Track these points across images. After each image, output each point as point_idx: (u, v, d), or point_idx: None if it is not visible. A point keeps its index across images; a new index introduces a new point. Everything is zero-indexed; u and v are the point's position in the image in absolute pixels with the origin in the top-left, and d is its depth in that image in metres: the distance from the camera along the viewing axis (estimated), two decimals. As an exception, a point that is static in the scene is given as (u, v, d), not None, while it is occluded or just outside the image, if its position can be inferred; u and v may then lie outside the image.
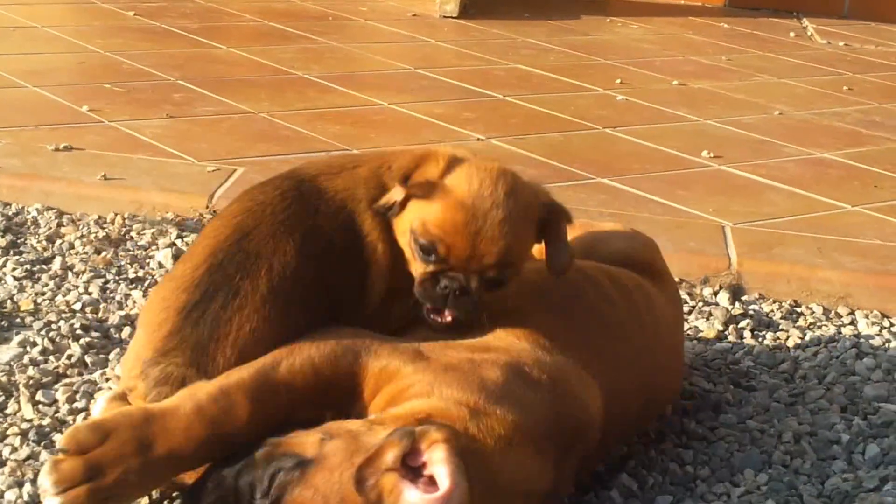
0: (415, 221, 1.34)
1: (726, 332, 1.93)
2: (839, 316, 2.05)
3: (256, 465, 1.20)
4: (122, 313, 1.77)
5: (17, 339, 1.67)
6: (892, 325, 2.03)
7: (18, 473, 1.35)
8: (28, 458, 1.38)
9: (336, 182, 1.39)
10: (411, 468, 1.13)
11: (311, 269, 1.32)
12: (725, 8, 4.99)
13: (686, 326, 1.94)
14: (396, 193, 1.36)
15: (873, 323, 2.02)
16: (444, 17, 4.15)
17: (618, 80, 3.47)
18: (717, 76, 3.69)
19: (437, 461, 1.11)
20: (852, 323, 2.03)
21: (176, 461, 1.23)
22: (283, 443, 1.20)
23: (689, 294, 2.06)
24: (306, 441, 1.19)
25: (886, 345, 1.93)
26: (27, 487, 1.32)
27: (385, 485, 1.12)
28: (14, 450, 1.40)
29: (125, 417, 1.22)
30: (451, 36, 3.91)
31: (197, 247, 1.36)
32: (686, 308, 2.01)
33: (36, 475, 1.34)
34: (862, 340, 1.94)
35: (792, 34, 4.53)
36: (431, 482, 1.12)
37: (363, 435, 1.18)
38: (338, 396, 1.27)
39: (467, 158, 1.39)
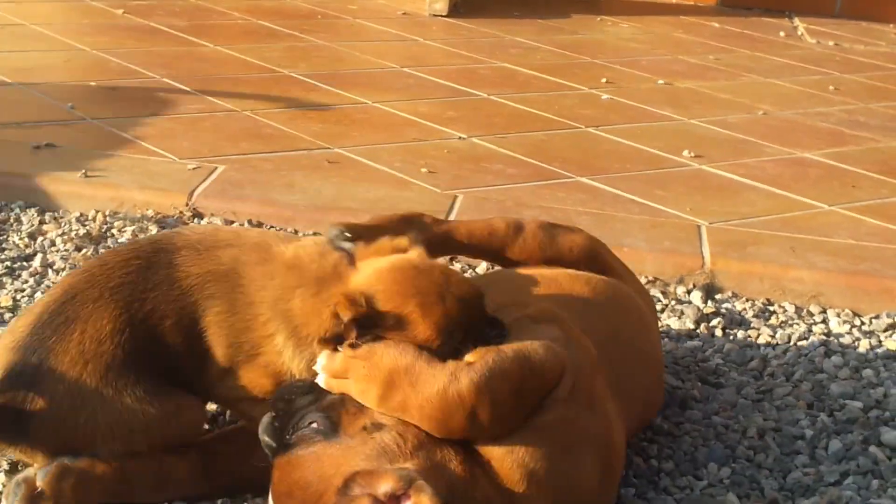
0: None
1: (697, 330, 1.98)
2: (811, 314, 2.10)
3: (318, 402, 1.26)
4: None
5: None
6: (862, 323, 2.07)
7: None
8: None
9: (193, 265, 1.35)
10: None
11: (135, 338, 1.32)
12: (717, 7, 5.03)
13: (658, 324, 1.99)
14: (325, 356, 1.29)
15: (844, 321, 2.07)
16: (434, 15, 4.20)
17: (604, 80, 3.51)
18: (704, 76, 3.73)
19: None
20: (824, 321, 2.07)
21: None
22: (345, 406, 1.26)
23: (663, 293, 2.11)
24: (355, 420, 1.24)
25: (855, 343, 1.98)
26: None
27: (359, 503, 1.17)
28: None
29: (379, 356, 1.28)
30: (440, 34, 3.96)
31: (37, 303, 1.39)
32: (659, 306, 2.06)
33: (11, 464, 1.39)
34: (831, 339, 1.98)
35: (782, 34, 4.57)
36: None
37: (389, 449, 1.22)
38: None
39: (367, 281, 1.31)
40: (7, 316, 1.78)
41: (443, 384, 1.23)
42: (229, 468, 1.39)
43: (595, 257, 1.66)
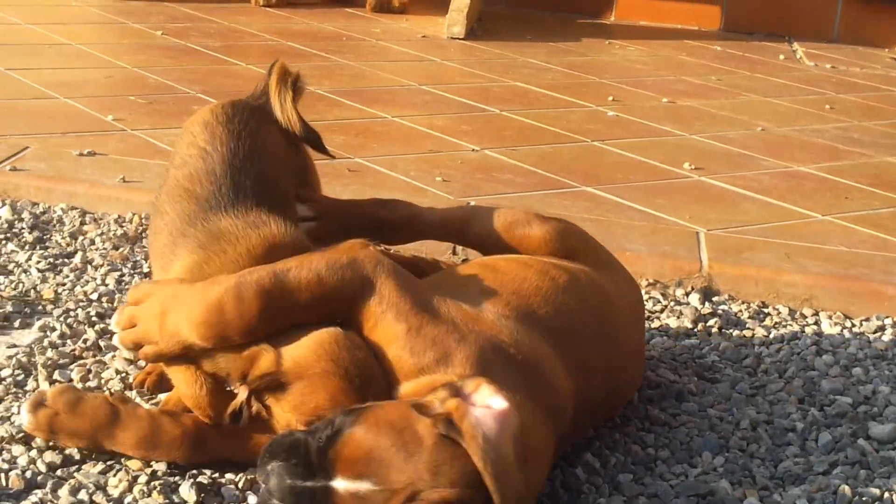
0: (288, 415, 1.30)
1: (695, 330, 1.98)
2: (804, 316, 2.10)
3: (317, 424, 1.24)
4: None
5: (38, 324, 1.75)
6: (853, 325, 2.07)
7: (33, 443, 1.42)
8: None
9: None
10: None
11: None
12: (720, 32, 5.04)
13: (657, 324, 2.00)
14: (239, 396, 1.31)
15: (836, 323, 2.07)
16: (452, 38, 4.23)
17: (610, 98, 3.53)
18: (706, 95, 3.74)
19: (489, 394, 1.18)
20: (816, 323, 2.07)
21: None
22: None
23: (663, 294, 2.12)
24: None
25: (846, 343, 1.98)
26: (47, 455, 1.39)
27: (450, 406, 1.17)
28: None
29: (150, 297, 1.35)
30: (457, 56, 3.99)
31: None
32: (658, 307, 2.06)
33: (48, 446, 1.42)
34: (823, 339, 1.98)
35: (781, 57, 4.57)
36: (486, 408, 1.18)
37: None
38: (340, 313, 1.32)
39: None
40: (49, 307, 1.81)
41: (200, 292, 1.30)
42: (223, 450, 1.38)
43: (561, 247, 1.63)
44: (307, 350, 1.29)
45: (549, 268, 1.53)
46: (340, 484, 1.16)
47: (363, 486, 1.15)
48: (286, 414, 1.30)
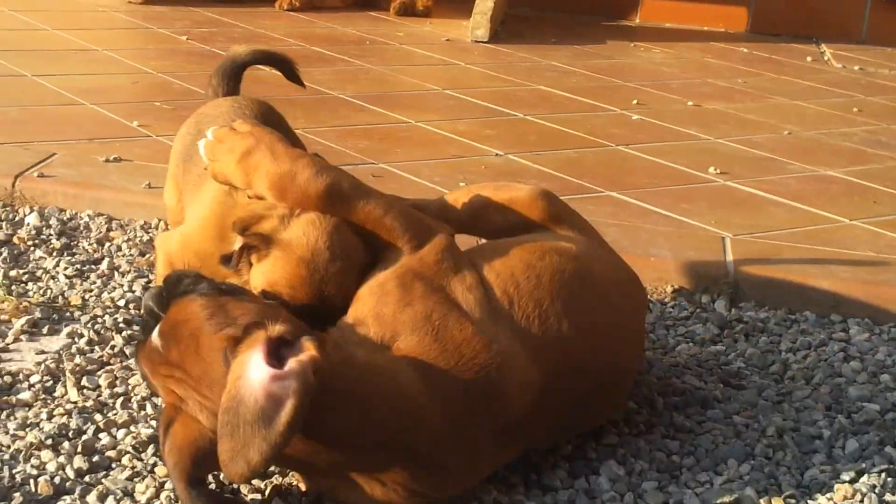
0: (258, 279, 1.40)
1: (721, 336, 1.98)
2: (831, 323, 2.09)
3: (206, 279, 1.35)
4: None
5: (66, 330, 1.78)
6: (881, 332, 2.06)
7: (61, 449, 1.45)
8: (72, 434, 1.48)
9: None
10: (277, 350, 1.18)
11: None
12: (747, 33, 5.01)
13: (683, 330, 2.00)
14: (235, 243, 1.42)
15: (864, 329, 2.05)
16: (476, 41, 4.24)
17: (635, 101, 3.52)
18: (732, 98, 3.73)
19: (304, 360, 1.16)
20: (844, 329, 2.06)
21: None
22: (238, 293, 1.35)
23: (688, 300, 2.11)
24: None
25: (874, 349, 1.97)
26: (76, 461, 1.42)
27: (255, 338, 1.18)
28: (60, 426, 1.49)
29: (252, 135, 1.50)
30: (481, 59, 4.00)
31: None
32: (684, 313, 2.06)
33: (76, 450, 1.44)
34: (851, 346, 1.97)
35: (809, 59, 4.55)
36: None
37: (279, 313, 1.28)
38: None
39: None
40: (77, 314, 1.83)
41: (291, 153, 1.44)
42: None
43: (548, 206, 1.67)
44: (300, 231, 1.38)
45: (541, 249, 1.52)
46: (155, 329, 1.31)
47: (157, 341, 1.31)
48: (255, 276, 1.39)
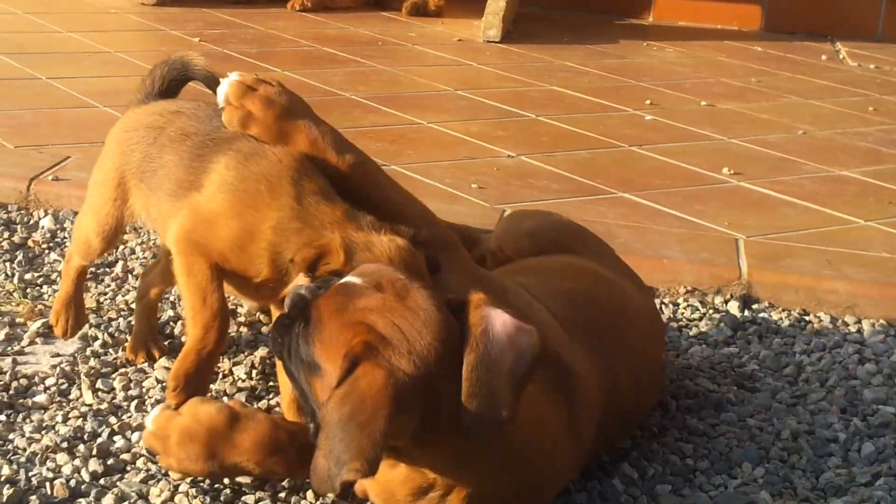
0: None
1: (734, 338, 1.98)
2: (846, 324, 2.08)
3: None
4: (173, 312, 1.88)
5: (80, 333, 1.79)
6: (896, 333, 2.05)
7: (77, 451, 1.46)
8: (87, 437, 1.50)
9: None
10: None
11: None
12: (761, 32, 4.99)
13: (695, 332, 1.99)
14: (297, 280, 1.31)
15: (879, 331, 2.05)
16: (488, 41, 4.24)
17: (648, 101, 3.52)
18: (745, 97, 3.72)
19: (521, 320, 1.17)
20: (858, 331, 2.05)
21: None
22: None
23: (701, 302, 2.11)
24: None
25: (889, 351, 1.96)
26: (91, 464, 1.43)
27: (476, 297, 1.16)
28: (75, 429, 1.51)
29: None
30: (493, 59, 4.00)
31: None
32: (697, 315, 2.06)
33: (91, 452, 1.45)
34: (866, 347, 1.97)
35: (824, 57, 4.52)
36: None
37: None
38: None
39: (361, 245, 1.32)
40: (91, 317, 1.85)
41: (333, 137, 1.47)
42: None
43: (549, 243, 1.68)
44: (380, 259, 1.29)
45: (593, 275, 1.55)
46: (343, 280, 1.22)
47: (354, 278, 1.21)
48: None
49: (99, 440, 1.48)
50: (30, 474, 1.40)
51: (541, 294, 1.44)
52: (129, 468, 1.44)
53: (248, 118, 1.45)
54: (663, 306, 2.07)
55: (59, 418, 1.54)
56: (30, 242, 2.15)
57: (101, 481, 1.40)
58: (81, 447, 1.46)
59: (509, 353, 1.12)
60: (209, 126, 1.50)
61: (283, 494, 1.40)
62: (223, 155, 1.44)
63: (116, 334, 1.79)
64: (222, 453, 1.33)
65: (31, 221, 2.25)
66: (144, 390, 1.63)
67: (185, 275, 1.40)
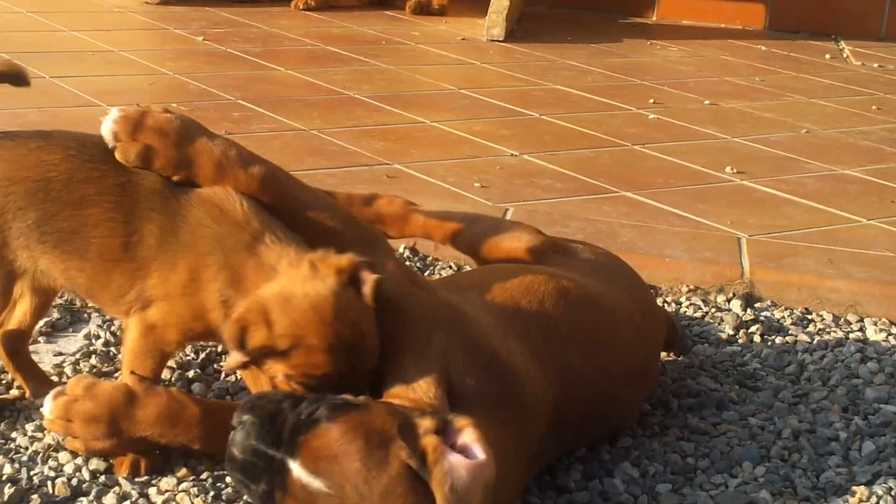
0: (278, 375, 1.31)
1: (736, 337, 1.98)
2: (848, 323, 2.08)
3: (305, 398, 1.23)
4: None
5: (82, 332, 1.80)
6: (899, 332, 2.05)
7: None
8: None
9: None
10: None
11: None
12: (764, 31, 4.99)
13: (698, 330, 1.99)
14: (236, 359, 1.29)
15: (881, 330, 2.05)
16: (491, 40, 4.24)
17: (651, 100, 3.52)
18: (749, 96, 3.71)
19: (472, 440, 1.18)
20: (860, 330, 2.05)
21: None
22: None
23: (704, 301, 2.11)
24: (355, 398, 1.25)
25: (891, 350, 1.96)
26: (92, 463, 1.43)
27: (428, 443, 1.17)
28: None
29: None
30: (496, 58, 4.00)
31: None
32: (699, 314, 2.06)
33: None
34: (868, 346, 1.97)
35: (827, 56, 4.52)
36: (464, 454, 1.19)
37: (404, 408, 1.24)
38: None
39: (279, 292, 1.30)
40: (93, 315, 1.85)
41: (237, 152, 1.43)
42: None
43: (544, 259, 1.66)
44: (302, 315, 1.27)
45: (545, 277, 1.53)
46: (296, 469, 1.18)
47: (315, 482, 1.17)
48: (279, 369, 1.29)
49: (101, 438, 1.48)
50: (31, 473, 1.40)
51: (486, 285, 1.45)
52: (130, 466, 1.44)
53: (147, 152, 1.39)
54: (666, 305, 2.07)
55: (61, 416, 1.54)
56: (33, 241, 2.15)
57: (103, 479, 1.40)
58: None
59: (476, 498, 1.16)
60: (111, 167, 1.41)
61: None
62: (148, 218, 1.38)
63: (118, 333, 1.79)
64: (127, 430, 1.37)
65: (35, 220, 2.26)
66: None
67: (139, 341, 1.42)
